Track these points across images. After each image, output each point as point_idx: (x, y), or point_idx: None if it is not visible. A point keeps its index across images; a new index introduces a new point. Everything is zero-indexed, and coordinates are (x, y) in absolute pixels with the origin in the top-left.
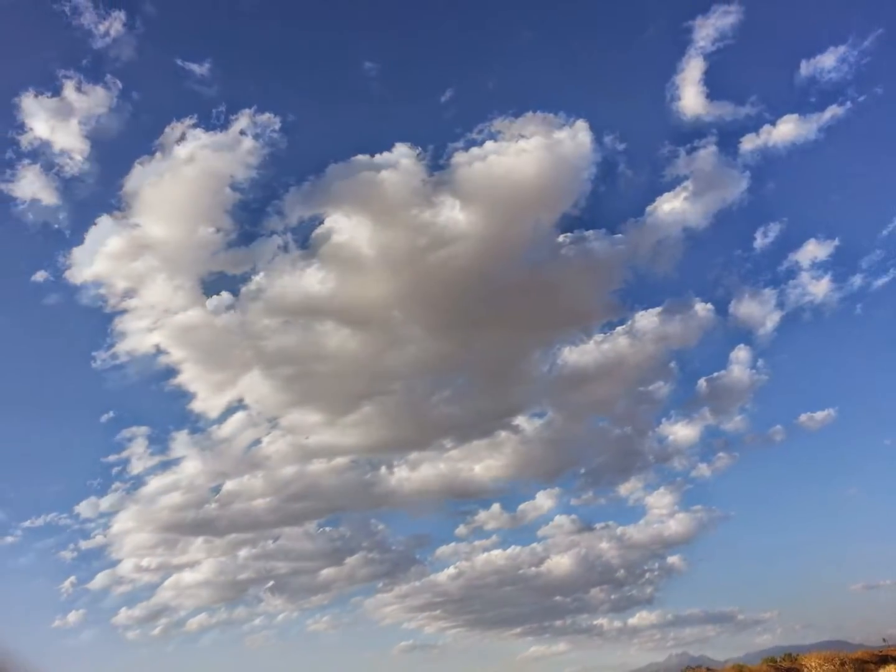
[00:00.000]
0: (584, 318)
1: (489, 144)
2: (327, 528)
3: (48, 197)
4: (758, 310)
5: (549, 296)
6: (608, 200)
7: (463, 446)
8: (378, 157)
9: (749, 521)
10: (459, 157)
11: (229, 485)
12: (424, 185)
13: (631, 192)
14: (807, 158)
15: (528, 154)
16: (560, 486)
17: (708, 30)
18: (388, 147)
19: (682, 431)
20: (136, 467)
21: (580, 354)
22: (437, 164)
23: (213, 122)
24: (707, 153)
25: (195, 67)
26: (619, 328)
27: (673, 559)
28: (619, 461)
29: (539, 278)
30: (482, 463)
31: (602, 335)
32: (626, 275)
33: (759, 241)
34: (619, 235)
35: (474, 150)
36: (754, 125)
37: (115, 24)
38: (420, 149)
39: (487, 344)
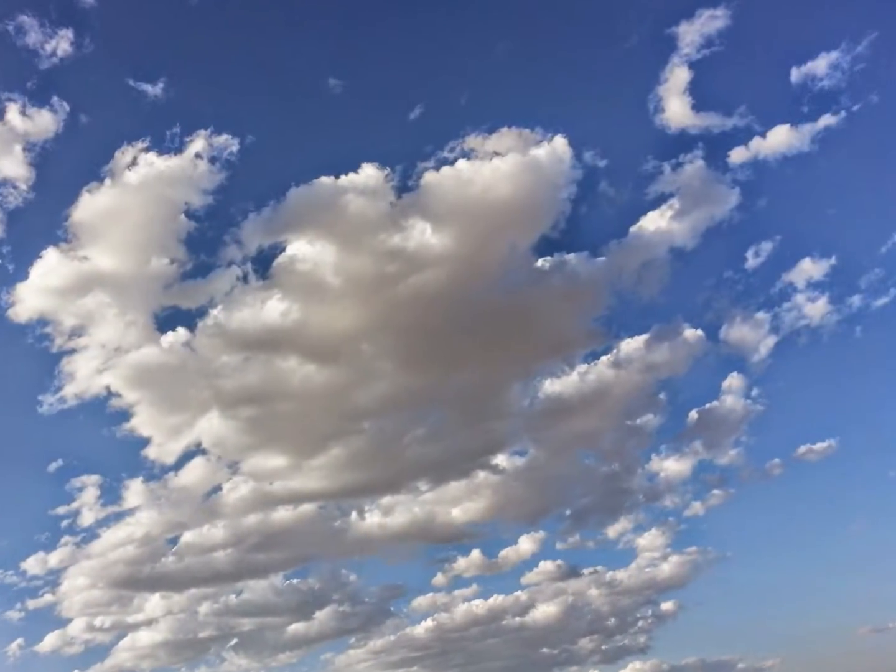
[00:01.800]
0: (565, 346)
1: (461, 163)
2: (294, 580)
3: None
4: (751, 334)
5: (527, 324)
6: (589, 220)
7: (439, 488)
8: (343, 179)
9: (747, 561)
10: (430, 177)
11: (187, 536)
12: (393, 208)
13: (613, 211)
14: (800, 171)
15: (503, 172)
16: (544, 528)
17: (693, 36)
18: (354, 168)
19: (673, 467)
20: (87, 519)
21: (562, 386)
22: (406, 184)
23: (166, 144)
24: (694, 167)
25: (148, 87)
26: (603, 357)
27: (667, 605)
28: (607, 501)
29: (517, 306)
30: (460, 506)
31: (585, 365)
32: (609, 300)
33: (751, 261)
34: (602, 258)
35: (446, 170)
36: (743, 137)
37: (62, 43)
38: (388, 169)
39: (463, 377)
